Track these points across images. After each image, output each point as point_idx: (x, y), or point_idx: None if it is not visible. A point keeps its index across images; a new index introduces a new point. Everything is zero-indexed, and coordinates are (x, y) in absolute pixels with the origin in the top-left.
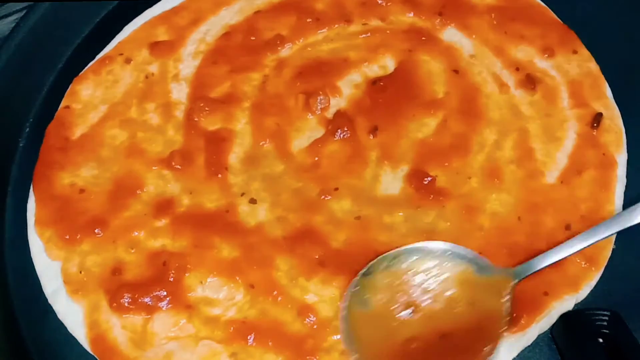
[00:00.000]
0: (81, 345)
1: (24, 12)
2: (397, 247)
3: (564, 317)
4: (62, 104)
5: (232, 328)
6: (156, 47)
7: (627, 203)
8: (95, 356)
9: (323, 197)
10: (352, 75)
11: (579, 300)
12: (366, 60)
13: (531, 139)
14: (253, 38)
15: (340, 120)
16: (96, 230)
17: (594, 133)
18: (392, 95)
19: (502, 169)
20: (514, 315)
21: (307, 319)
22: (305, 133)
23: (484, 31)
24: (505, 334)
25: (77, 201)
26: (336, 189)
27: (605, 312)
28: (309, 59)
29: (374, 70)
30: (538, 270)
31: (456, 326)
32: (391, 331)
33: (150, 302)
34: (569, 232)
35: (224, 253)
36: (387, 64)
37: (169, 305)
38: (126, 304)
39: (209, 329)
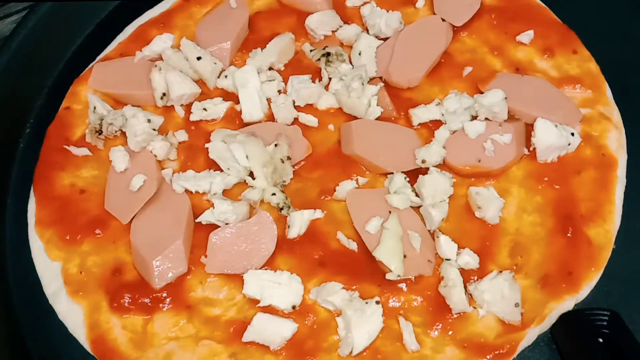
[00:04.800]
0: (81, 346)
1: (25, 12)
2: None
3: (564, 317)
4: (63, 104)
5: (232, 328)
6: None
7: (627, 203)
8: (96, 357)
9: (323, 197)
10: None
11: (579, 300)
12: None
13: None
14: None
15: None
16: (96, 231)
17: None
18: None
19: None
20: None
21: (307, 319)
22: None
23: (484, 31)
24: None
25: (78, 201)
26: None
27: (605, 312)
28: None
29: None
30: None
31: None
32: None
33: (150, 303)
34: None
35: None
36: None
37: (169, 306)
38: (126, 305)
39: (209, 329)
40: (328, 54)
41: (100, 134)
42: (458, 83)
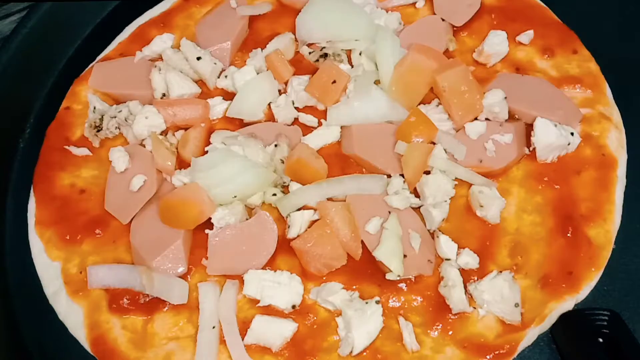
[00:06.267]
0: (81, 346)
1: (25, 12)
2: None
3: (564, 317)
4: (63, 104)
5: None
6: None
7: (627, 203)
8: (96, 357)
9: None
10: None
11: (579, 301)
12: None
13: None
14: None
15: None
16: (96, 231)
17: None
18: None
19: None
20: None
21: (307, 319)
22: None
23: (484, 31)
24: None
25: (78, 201)
26: None
27: (605, 312)
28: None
29: None
30: None
31: None
32: None
33: (150, 303)
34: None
35: None
36: None
37: (169, 306)
38: (125, 305)
39: None
40: (326, 54)
41: (98, 130)
42: None
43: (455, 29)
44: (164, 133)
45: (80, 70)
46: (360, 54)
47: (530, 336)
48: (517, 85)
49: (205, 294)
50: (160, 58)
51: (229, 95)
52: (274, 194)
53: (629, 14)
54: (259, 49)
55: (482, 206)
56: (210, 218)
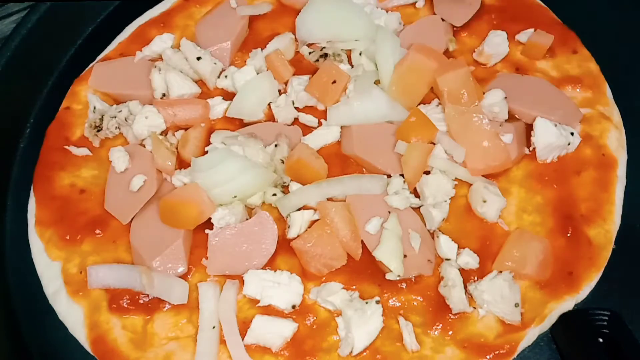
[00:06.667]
0: (81, 346)
1: (25, 12)
2: None
3: (564, 317)
4: (63, 104)
5: None
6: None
7: (627, 203)
8: (96, 357)
9: None
10: None
11: (579, 301)
12: None
13: None
14: None
15: None
16: (96, 231)
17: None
18: None
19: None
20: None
21: (307, 319)
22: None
23: (484, 31)
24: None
25: (78, 201)
26: None
27: (605, 312)
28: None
29: None
30: None
31: None
32: None
33: (150, 303)
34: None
35: None
36: None
37: (169, 306)
38: (125, 305)
39: None
40: (325, 55)
41: (98, 130)
42: None
43: (455, 29)
44: (164, 133)
45: (80, 70)
46: (360, 54)
47: (530, 336)
48: (517, 85)
49: (205, 294)
50: (160, 58)
51: (229, 95)
52: (274, 194)
53: (628, 14)
54: (259, 49)
55: (485, 201)
56: (210, 218)
